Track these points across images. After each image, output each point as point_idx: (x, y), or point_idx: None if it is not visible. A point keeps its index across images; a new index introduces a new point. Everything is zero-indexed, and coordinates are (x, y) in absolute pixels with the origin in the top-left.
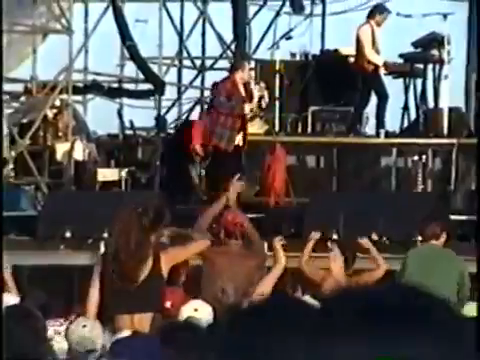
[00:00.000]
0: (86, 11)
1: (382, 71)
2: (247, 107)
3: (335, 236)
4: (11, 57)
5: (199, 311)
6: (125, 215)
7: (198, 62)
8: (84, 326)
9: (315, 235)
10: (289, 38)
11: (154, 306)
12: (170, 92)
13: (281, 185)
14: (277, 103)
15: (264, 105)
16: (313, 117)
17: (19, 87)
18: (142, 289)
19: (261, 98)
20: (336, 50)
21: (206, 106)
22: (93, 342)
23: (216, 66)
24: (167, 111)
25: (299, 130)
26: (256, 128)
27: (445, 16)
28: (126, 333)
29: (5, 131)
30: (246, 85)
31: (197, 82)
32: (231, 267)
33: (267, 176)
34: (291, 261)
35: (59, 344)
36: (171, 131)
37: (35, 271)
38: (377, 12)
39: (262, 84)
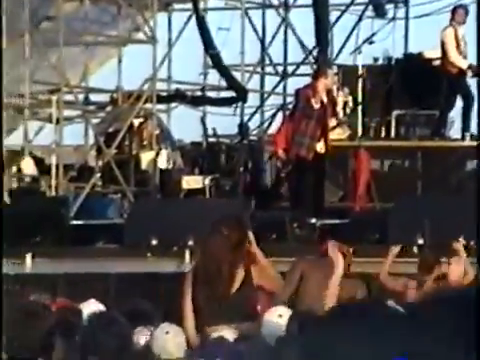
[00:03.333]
0: (169, 20)
1: (468, 74)
2: (331, 115)
3: (420, 241)
4: (92, 65)
5: (283, 317)
6: (212, 240)
7: (280, 69)
8: (167, 332)
9: (395, 249)
10: (372, 42)
11: (247, 316)
12: (253, 99)
13: (365, 190)
14: (360, 108)
15: (348, 110)
16: (397, 121)
17: (105, 97)
18: (236, 301)
19: (345, 104)
20: (420, 53)
21: (288, 112)
22: (176, 349)
23: (298, 72)
24: (250, 118)
25: (383, 134)
26: (340, 134)
27: None
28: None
29: (91, 141)
30: (329, 91)
31: (279, 89)
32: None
33: (351, 181)
34: (374, 267)
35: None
36: (254, 138)
37: (122, 278)
38: (457, 11)
39: (346, 89)
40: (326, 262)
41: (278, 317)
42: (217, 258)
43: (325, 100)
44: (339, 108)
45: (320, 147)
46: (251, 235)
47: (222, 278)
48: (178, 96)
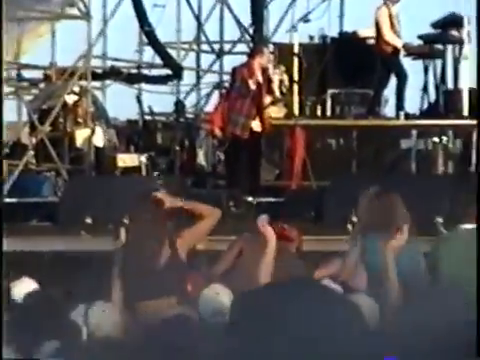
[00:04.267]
0: None
1: (401, 53)
2: (266, 93)
3: (355, 219)
4: (25, 41)
5: (220, 295)
6: (137, 205)
7: (216, 47)
8: (103, 311)
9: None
10: (307, 21)
11: (176, 291)
12: (189, 77)
13: (301, 168)
14: (296, 86)
15: (284, 89)
16: (332, 100)
17: (38, 74)
18: (163, 275)
19: (281, 82)
20: (354, 32)
21: (225, 91)
22: (112, 327)
23: (234, 50)
24: (186, 96)
25: (318, 113)
26: (275, 112)
27: None
28: None
29: (25, 118)
30: (264, 70)
31: (216, 67)
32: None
33: (287, 160)
34: (311, 244)
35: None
36: (190, 116)
37: (56, 257)
38: None
39: (281, 68)
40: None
41: (215, 294)
42: (143, 232)
43: (261, 79)
44: (275, 86)
45: (256, 125)
46: (161, 195)
47: (148, 252)
48: (113, 73)
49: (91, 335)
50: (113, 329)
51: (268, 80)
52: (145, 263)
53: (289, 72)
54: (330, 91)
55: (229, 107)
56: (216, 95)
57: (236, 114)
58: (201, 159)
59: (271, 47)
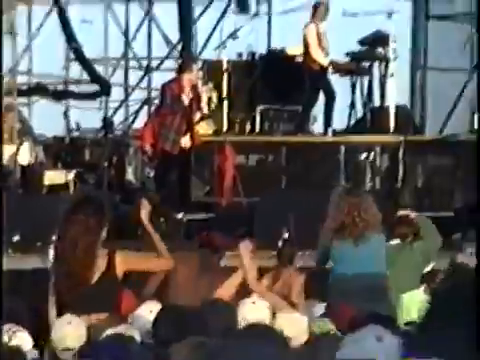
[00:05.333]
0: (29, 12)
1: (329, 70)
2: (196, 110)
3: (286, 235)
4: None
5: (153, 313)
6: (69, 217)
7: (144, 63)
8: (69, 323)
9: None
10: (235, 38)
11: (108, 307)
12: (117, 93)
13: (231, 185)
14: (225, 103)
15: (212, 106)
16: (261, 116)
17: None
18: (95, 290)
19: (209, 99)
20: (282, 49)
21: (155, 107)
22: (76, 341)
23: (163, 67)
24: (114, 112)
25: (248, 129)
26: (205, 128)
27: (390, 14)
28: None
29: None
30: (194, 86)
31: (144, 83)
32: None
33: (217, 176)
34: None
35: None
36: (118, 132)
37: None
38: (317, 8)
39: (210, 85)
40: (198, 255)
41: (149, 312)
42: (74, 243)
43: (190, 95)
44: (204, 103)
45: (185, 142)
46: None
47: (80, 264)
48: (39, 89)
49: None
50: (77, 342)
51: (197, 96)
52: (76, 278)
53: (218, 89)
54: (259, 108)
55: (159, 123)
56: (144, 111)
57: (166, 130)
58: (130, 176)
59: (200, 64)
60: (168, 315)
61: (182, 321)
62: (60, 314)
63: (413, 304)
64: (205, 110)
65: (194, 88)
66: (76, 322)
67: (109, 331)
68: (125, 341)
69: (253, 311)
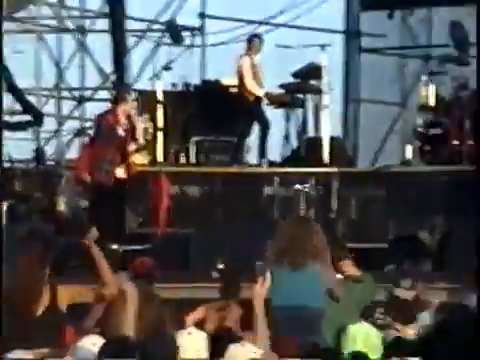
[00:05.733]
0: None
1: (263, 101)
2: (131, 140)
3: (221, 266)
4: None
5: (96, 345)
6: (16, 250)
7: (77, 93)
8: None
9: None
10: (169, 68)
11: (52, 341)
12: (49, 124)
13: (166, 215)
14: (160, 134)
15: (148, 137)
16: (196, 147)
17: None
18: (40, 324)
19: (145, 129)
20: (217, 81)
21: (89, 138)
22: None
23: (96, 97)
24: (46, 143)
25: (182, 160)
26: (140, 159)
27: (323, 47)
28: None
29: None
30: (129, 117)
31: (77, 113)
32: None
33: (152, 207)
34: (177, 291)
35: None
36: (51, 163)
37: None
38: (252, 41)
39: (145, 115)
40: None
41: (91, 345)
42: (21, 277)
43: (125, 126)
44: (139, 134)
45: (120, 173)
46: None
47: (24, 296)
48: None
49: None
50: None
51: (132, 127)
52: (22, 312)
53: (152, 119)
54: (194, 138)
55: (93, 154)
56: (77, 142)
57: (100, 161)
58: (62, 207)
59: (133, 94)
60: (113, 346)
61: (127, 352)
62: (4, 348)
63: (359, 334)
64: (140, 141)
65: (129, 119)
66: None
67: None
68: None
69: (189, 341)
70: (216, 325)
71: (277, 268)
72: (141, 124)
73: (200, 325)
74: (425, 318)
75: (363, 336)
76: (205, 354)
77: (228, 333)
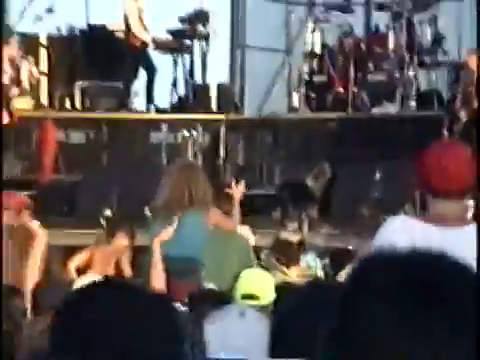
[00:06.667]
0: None
1: (150, 46)
2: (14, 86)
3: (108, 212)
4: None
5: None
6: None
7: None
8: None
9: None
10: (51, 11)
11: None
12: None
13: (51, 161)
14: (44, 78)
15: (33, 81)
16: (82, 92)
17: None
18: None
19: (30, 73)
20: (103, 25)
21: None
22: None
23: None
24: None
25: (67, 106)
26: (24, 104)
27: None
28: None
29: None
30: (12, 60)
31: None
32: None
33: (36, 153)
34: (63, 238)
35: None
36: None
37: None
38: None
39: (30, 59)
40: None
41: None
42: None
43: (8, 70)
44: (23, 77)
45: (3, 117)
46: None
47: None
48: None
49: None
50: None
51: (17, 71)
52: None
53: (36, 64)
54: (79, 83)
55: None
56: None
57: None
58: None
59: (16, 37)
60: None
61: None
62: None
63: (250, 277)
64: (25, 85)
65: (12, 62)
66: None
67: None
68: None
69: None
70: (105, 268)
71: (164, 216)
72: (26, 67)
73: (85, 269)
74: (309, 260)
75: (255, 279)
76: None
77: (121, 276)
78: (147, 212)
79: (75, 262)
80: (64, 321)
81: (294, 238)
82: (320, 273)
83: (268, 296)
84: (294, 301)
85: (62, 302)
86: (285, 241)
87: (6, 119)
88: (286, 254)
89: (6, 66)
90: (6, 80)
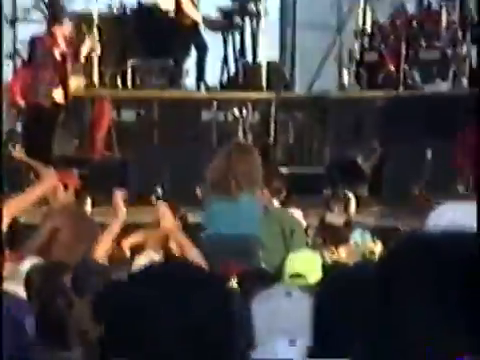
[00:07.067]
0: None
1: (201, 25)
2: (71, 63)
3: (159, 191)
4: None
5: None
6: None
7: (9, 15)
8: None
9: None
10: None
11: None
12: None
13: (105, 139)
14: (95, 57)
15: (96, 57)
16: (132, 71)
17: None
18: None
19: (92, 50)
20: (154, 3)
21: (21, 61)
22: None
23: (28, 18)
24: None
25: (119, 84)
26: (75, 82)
27: None
28: None
29: None
30: (68, 39)
31: (9, 35)
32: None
33: (89, 131)
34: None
35: None
36: None
37: None
38: None
39: (94, 36)
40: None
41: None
42: None
43: (64, 48)
44: (82, 55)
45: (58, 96)
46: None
47: None
48: None
49: None
50: None
51: (74, 49)
52: None
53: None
54: (130, 62)
55: (29, 77)
56: (11, 64)
57: (38, 83)
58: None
59: (68, 15)
60: (38, 269)
61: (51, 275)
62: None
63: (298, 258)
64: (82, 62)
65: (69, 41)
66: None
67: None
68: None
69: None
70: (157, 250)
71: (214, 196)
72: (88, 45)
73: (138, 250)
74: (356, 237)
75: (302, 259)
76: None
77: (171, 254)
78: (198, 191)
79: (130, 241)
80: (122, 299)
81: (339, 220)
82: (369, 247)
83: (315, 275)
84: (333, 282)
85: (127, 281)
86: (330, 224)
87: (62, 97)
88: (332, 236)
89: (61, 43)
90: (59, 57)
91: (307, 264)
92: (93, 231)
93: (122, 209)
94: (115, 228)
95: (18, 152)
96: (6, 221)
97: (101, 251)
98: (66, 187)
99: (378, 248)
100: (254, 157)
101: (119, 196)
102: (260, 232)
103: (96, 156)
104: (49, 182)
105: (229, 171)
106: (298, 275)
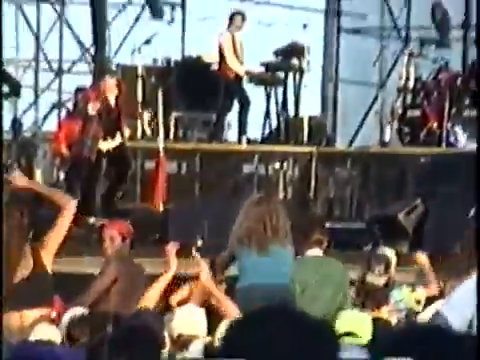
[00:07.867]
0: None
1: (244, 78)
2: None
3: (199, 242)
4: None
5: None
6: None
7: (56, 65)
8: None
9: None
10: (149, 42)
11: (40, 302)
12: (27, 95)
13: (164, 191)
14: (140, 108)
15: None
16: (175, 123)
17: None
18: (26, 287)
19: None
20: (198, 56)
21: (66, 111)
22: None
23: (74, 70)
24: (23, 114)
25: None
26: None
27: (304, 26)
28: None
29: None
30: (120, 91)
31: (54, 85)
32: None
33: (148, 182)
34: (156, 265)
35: None
36: (27, 134)
37: None
38: (234, 18)
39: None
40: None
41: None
42: (7, 240)
43: (112, 101)
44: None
45: (105, 147)
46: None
47: (13, 260)
48: None
49: None
50: None
51: (121, 103)
52: (11, 274)
53: (134, 94)
54: (174, 114)
55: (74, 128)
56: (54, 114)
57: (84, 135)
58: (39, 178)
59: (114, 68)
60: (82, 318)
61: (93, 324)
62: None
63: (351, 318)
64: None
65: (120, 93)
66: None
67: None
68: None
69: (189, 316)
70: (200, 303)
71: (244, 249)
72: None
73: (182, 303)
74: (395, 294)
75: (354, 317)
76: (204, 330)
77: (216, 310)
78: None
79: (177, 298)
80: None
81: (380, 281)
82: (410, 305)
83: (367, 334)
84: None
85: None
86: (371, 285)
87: (112, 147)
88: (373, 297)
89: (109, 99)
90: (103, 110)
91: (359, 322)
92: (144, 281)
93: (175, 261)
94: (167, 279)
95: (19, 177)
96: (48, 260)
97: (151, 301)
98: (124, 238)
99: (421, 295)
100: (281, 208)
101: (173, 248)
102: (304, 280)
103: (158, 206)
104: (73, 208)
105: (259, 224)
106: (350, 333)
